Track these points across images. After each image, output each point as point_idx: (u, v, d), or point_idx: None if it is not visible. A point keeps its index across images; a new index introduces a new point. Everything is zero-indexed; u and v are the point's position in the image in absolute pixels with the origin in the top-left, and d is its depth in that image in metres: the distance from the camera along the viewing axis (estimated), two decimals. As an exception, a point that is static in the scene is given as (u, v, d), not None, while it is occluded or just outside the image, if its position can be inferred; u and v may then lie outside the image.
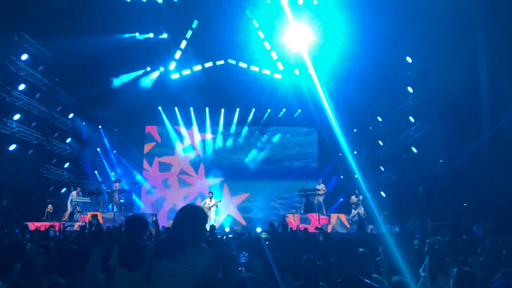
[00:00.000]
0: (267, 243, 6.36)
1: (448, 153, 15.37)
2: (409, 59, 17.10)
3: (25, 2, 15.07)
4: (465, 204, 14.94)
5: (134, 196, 19.46)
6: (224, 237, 14.33)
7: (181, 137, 23.21)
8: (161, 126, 23.21)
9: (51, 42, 17.05)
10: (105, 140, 22.39)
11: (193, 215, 3.18)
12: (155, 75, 21.47)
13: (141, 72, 21.13)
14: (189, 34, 19.73)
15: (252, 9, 18.68)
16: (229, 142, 23.35)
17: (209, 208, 16.93)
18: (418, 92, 16.75)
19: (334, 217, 16.72)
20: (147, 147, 23.21)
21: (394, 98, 18.78)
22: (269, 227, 11.97)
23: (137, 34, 19.42)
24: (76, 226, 13.57)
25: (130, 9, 17.94)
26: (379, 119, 20.89)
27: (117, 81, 20.34)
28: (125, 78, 20.76)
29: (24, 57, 16.94)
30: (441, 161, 16.05)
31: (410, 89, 17.42)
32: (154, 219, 15.60)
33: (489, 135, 13.08)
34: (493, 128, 12.92)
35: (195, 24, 19.27)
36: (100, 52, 18.34)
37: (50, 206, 17.07)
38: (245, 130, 23.41)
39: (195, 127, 23.25)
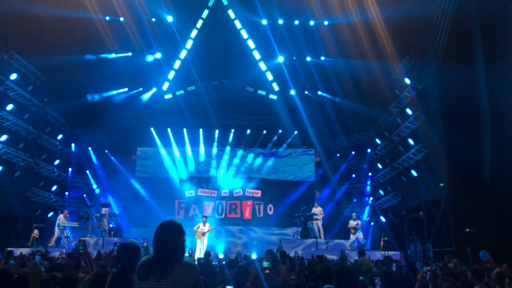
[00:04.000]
0: (267, 271, 6.20)
1: (448, 177, 15.33)
2: (407, 81, 17.24)
3: (16, 21, 15.15)
4: (467, 229, 14.83)
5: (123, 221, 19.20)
6: (218, 264, 14.12)
7: (173, 158, 23.07)
8: (153, 147, 23.09)
9: (42, 61, 17.08)
10: (95, 162, 22.21)
11: (172, 230, 3.18)
12: (147, 95, 21.53)
13: (133, 92, 21.19)
14: (183, 54, 19.90)
15: (247, 29, 18.95)
16: (224, 163, 23.22)
17: (203, 234, 16.68)
18: (417, 114, 16.82)
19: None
20: (139, 169, 23.02)
21: (393, 121, 18.86)
22: (266, 255, 11.77)
23: (130, 53, 19.58)
24: (59, 254, 13.23)
25: (123, 28, 18.16)
26: (378, 141, 20.93)
27: (108, 100, 20.38)
28: (116, 98, 20.81)
29: (13, 76, 16.91)
30: (441, 184, 16.01)
31: (409, 111, 17.51)
32: (145, 244, 15.35)
33: (491, 157, 13.09)
34: (495, 150, 12.94)
35: (189, 44, 19.47)
36: (91, 72, 18.46)
37: (36, 231, 16.75)
38: (239, 153, 23.35)
39: (188, 148, 23.16)
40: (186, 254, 16.23)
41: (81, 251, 10.16)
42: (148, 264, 3.12)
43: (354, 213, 17.37)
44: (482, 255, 10.26)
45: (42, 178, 19.55)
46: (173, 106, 21.65)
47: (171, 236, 3.14)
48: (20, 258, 11.03)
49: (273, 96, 21.28)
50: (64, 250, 12.31)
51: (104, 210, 17.78)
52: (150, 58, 19.77)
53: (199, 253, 15.45)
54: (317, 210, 17.43)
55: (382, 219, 20.50)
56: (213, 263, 13.67)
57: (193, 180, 22.91)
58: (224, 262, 14.22)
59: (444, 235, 15.59)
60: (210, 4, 18.18)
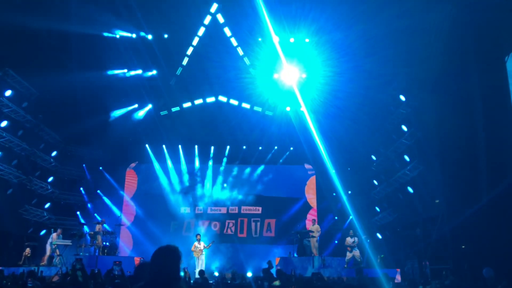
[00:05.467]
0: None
1: (444, 193, 15.40)
2: (402, 98, 17.44)
3: (11, 37, 15.21)
4: (463, 246, 14.85)
5: (118, 239, 19.04)
6: (213, 283, 14.01)
7: (168, 175, 23.03)
8: (148, 164, 23.04)
9: (37, 78, 17.12)
10: (89, 179, 22.11)
11: (169, 256, 3.20)
12: (143, 112, 21.56)
13: (129, 109, 21.21)
14: (179, 71, 20.01)
15: (243, 46, 19.12)
16: (219, 180, 23.20)
17: (201, 251, 16.61)
18: (413, 131, 16.97)
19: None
20: (133, 186, 22.92)
21: (388, 137, 18.99)
22: (263, 273, 11.73)
23: (125, 70, 19.66)
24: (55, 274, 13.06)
25: (119, 45, 18.27)
26: (374, 157, 21.03)
27: (103, 118, 20.38)
28: (112, 115, 20.83)
29: (8, 93, 16.91)
30: (437, 201, 16.07)
31: (404, 128, 17.66)
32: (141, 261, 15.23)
33: (487, 173, 13.17)
34: (490, 167, 13.03)
35: (185, 61, 19.59)
36: (86, 89, 18.48)
37: (28, 250, 16.53)
38: (235, 169, 23.37)
39: (183, 165, 23.14)
40: (181, 273, 16.11)
41: (78, 269, 10.08)
42: None
43: (351, 230, 17.36)
44: (485, 272, 10.26)
45: (35, 196, 19.40)
46: (168, 123, 21.69)
47: (168, 262, 3.16)
48: (12, 278, 10.90)
49: (269, 113, 21.40)
50: (60, 270, 12.14)
51: (98, 228, 17.63)
52: (146, 74, 19.83)
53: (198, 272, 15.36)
54: (314, 227, 17.41)
55: (379, 236, 20.47)
56: (210, 281, 13.60)
57: (188, 196, 22.84)
58: (219, 280, 14.17)
59: (441, 252, 15.59)
60: (207, 22, 18.35)
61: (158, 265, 3.17)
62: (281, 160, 23.38)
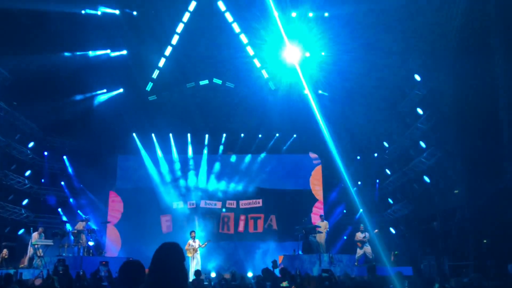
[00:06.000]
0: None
1: (465, 183, 15.42)
2: (418, 78, 17.36)
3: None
4: (485, 241, 14.91)
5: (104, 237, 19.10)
6: (211, 284, 14.10)
7: (158, 166, 23.00)
8: (136, 155, 23.01)
9: (10, 61, 16.97)
10: (71, 172, 22.07)
11: (175, 255, 3.05)
12: (129, 97, 21.44)
13: (113, 93, 21.12)
14: (168, 51, 19.88)
15: (239, 22, 18.97)
16: (215, 170, 23.19)
17: (195, 250, 16.67)
18: (430, 114, 16.93)
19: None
20: (120, 179, 22.94)
21: (402, 121, 18.95)
22: (263, 274, 11.78)
23: (108, 51, 19.52)
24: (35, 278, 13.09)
25: (101, 23, 18.10)
26: (386, 144, 21.02)
27: (84, 104, 20.30)
28: (94, 100, 20.74)
29: (-22, 78, 16.82)
30: (456, 191, 16.10)
31: (420, 111, 17.61)
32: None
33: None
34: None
35: (175, 39, 19.45)
36: (66, 72, 18.35)
37: (5, 251, 16.55)
38: (233, 157, 23.35)
39: (174, 155, 23.12)
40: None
41: (61, 272, 10.12)
42: None
43: (362, 224, 17.41)
44: (511, 269, 10.31)
45: (11, 191, 19.38)
46: (158, 109, 21.61)
47: (175, 262, 3.01)
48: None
49: (271, 85, 21.13)
50: (41, 273, 12.16)
51: (82, 226, 17.66)
52: (131, 55, 19.69)
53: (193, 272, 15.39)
54: (323, 224, 17.47)
55: (392, 230, 20.55)
56: (205, 283, 13.68)
57: (180, 188, 22.84)
58: (217, 281, 14.24)
59: (461, 247, 15.65)
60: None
61: (165, 266, 3.00)
62: (284, 148, 23.32)
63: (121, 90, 21.25)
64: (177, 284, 2.96)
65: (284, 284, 6.64)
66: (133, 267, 3.56)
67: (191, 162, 23.26)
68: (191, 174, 23.17)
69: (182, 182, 23.06)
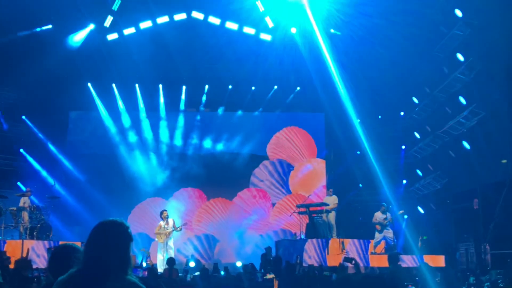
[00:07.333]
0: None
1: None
2: (458, 13, 17.18)
3: None
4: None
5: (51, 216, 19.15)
6: (189, 276, 14.30)
7: (121, 126, 22.95)
8: (92, 110, 22.94)
9: None
10: (6, 132, 21.96)
11: (113, 233, 3.15)
12: (81, 35, 21.19)
13: (60, 32, 20.82)
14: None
15: None
16: (194, 131, 23.23)
17: (168, 234, 16.76)
18: (472, 61, 16.86)
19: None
20: (72, 141, 22.93)
21: (437, 70, 18.90)
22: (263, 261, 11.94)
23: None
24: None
25: None
26: (415, 100, 21.01)
27: (26, 44, 20.06)
28: (36, 40, 20.46)
29: None
30: (504, 161, 16.22)
31: (460, 57, 17.54)
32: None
33: None
34: None
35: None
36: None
37: None
38: (220, 110, 23.33)
39: (142, 111, 23.07)
40: (144, 265, 16.38)
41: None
42: (72, 280, 3.06)
43: (383, 203, 17.49)
44: None
45: None
46: (120, 51, 21.37)
47: (111, 241, 3.11)
48: None
49: (266, 37, 21.07)
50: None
51: (23, 202, 17.69)
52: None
53: (163, 262, 15.51)
54: (331, 199, 17.53)
55: (420, 210, 20.78)
56: (180, 274, 13.87)
57: (149, 152, 22.92)
58: (197, 273, 14.47)
59: (507, 232, 15.89)
60: None
61: (97, 245, 3.11)
62: (287, 101, 23.35)
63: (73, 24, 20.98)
64: (105, 267, 3.04)
65: (269, 276, 6.74)
66: (61, 254, 3.80)
67: (164, 121, 23.26)
68: (165, 136, 23.20)
69: (153, 147, 23.09)
